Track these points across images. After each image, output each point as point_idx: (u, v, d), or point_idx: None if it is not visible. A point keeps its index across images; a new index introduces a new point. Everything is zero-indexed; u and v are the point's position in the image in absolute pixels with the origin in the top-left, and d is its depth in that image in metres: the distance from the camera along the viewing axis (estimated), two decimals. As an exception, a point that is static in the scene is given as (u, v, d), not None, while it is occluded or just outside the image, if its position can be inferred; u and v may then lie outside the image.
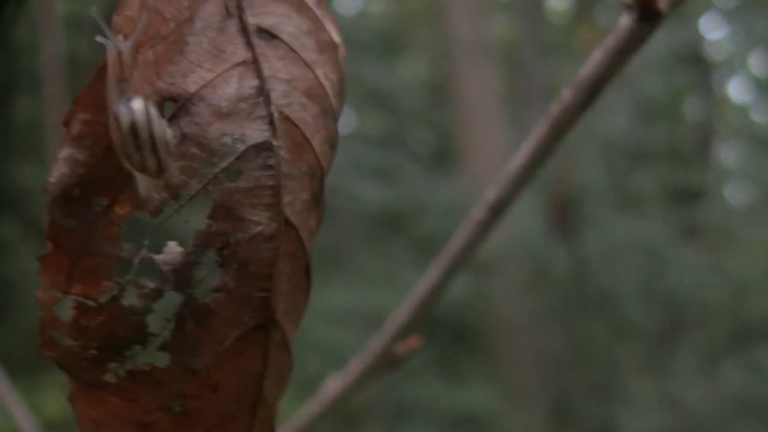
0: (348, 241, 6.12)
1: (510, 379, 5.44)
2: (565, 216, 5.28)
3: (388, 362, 0.86)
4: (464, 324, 5.79)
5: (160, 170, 0.44)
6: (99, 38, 0.45)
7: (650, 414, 5.05)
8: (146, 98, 0.44)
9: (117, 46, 0.45)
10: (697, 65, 6.64)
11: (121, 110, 0.44)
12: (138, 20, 0.46)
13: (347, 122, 7.36)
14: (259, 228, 0.47)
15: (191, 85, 0.48)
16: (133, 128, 0.43)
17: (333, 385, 0.90)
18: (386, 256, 6.01)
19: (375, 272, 5.64)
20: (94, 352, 0.44)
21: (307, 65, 0.53)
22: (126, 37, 0.45)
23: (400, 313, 0.81)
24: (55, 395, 4.53)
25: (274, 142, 0.49)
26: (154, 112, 0.44)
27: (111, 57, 0.45)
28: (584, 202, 5.36)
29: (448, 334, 5.61)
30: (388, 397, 5.36)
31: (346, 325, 5.22)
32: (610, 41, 0.58)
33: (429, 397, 5.23)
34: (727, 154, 7.96)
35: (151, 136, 0.43)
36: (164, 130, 0.44)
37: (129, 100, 0.44)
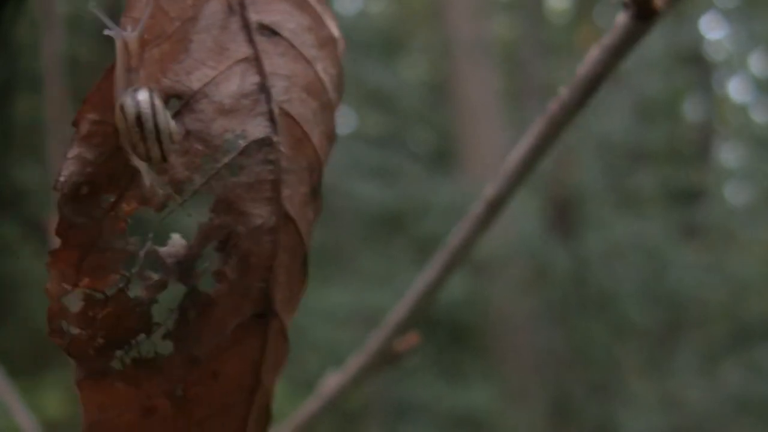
0: (348, 241, 6.12)
1: (510, 379, 5.44)
2: (565, 216, 5.28)
3: (387, 359, 0.86)
4: (464, 324, 5.80)
5: (163, 159, 0.46)
6: (106, 31, 0.46)
7: (650, 414, 5.06)
8: (151, 89, 0.46)
9: (123, 36, 0.46)
10: (697, 65, 6.65)
11: (127, 101, 0.45)
12: (145, 19, 0.47)
13: (347, 122, 7.36)
14: (260, 221, 0.48)
15: (195, 82, 0.49)
16: (139, 119, 0.45)
17: (332, 381, 0.91)
18: (386, 256, 6.02)
19: (375, 272, 5.65)
20: (101, 340, 0.46)
21: (308, 61, 0.54)
22: (132, 28, 0.46)
23: (398, 310, 0.82)
24: (55, 395, 4.53)
25: (275, 138, 0.50)
26: (159, 103, 0.46)
27: (119, 47, 0.46)
28: (584, 202, 5.36)
29: (448, 333, 5.61)
30: (387, 396, 5.37)
31: (346, 325, 5.23)
32: (607, 39, 0.58)
33: (429, 396, 5.24)
34: (727, 154, 7.97)
35: (156, 126, 0.45)
36: (168, 121, 0.46)
37: (135, 91, 0.45)
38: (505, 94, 6.47)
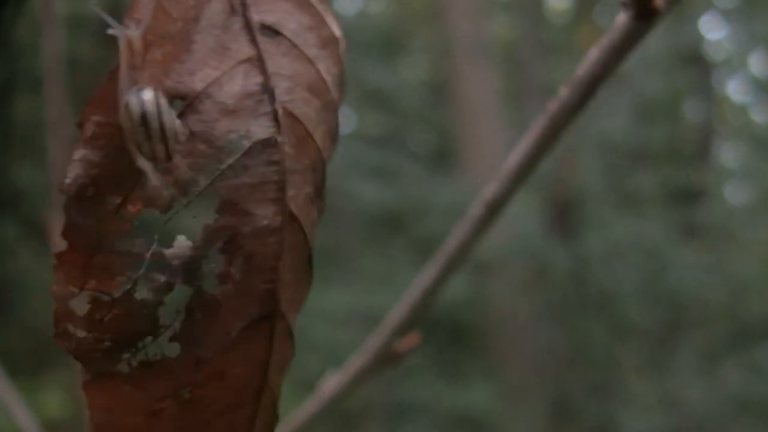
0: (348, 241, 6.13)
1: (510, 379, 5.45)
2: (565, 216, 5.29)
3: (387, 359, 0.86)
4: (464, 324, 5.80)
5: (168, 158, 0.46)
6: (110, 30, 0.46)
7: (650, 414, 5.06)
8: (156, 89, 0.46)
9: (127, 34, 0.46)
10: (697, 65, 6.66)
11: (132, 100, 0.45)
12: (148, 18, 0.47)
13: (347, 122, 7.36)
14: (265, 222, 0.48)
15: (198, 83, 0.49)
16: (144, 118, 0.45)
17: (331, 382, 0.91)
18: (386, 256, 6.02)
19: (375, 272, 5.65)
20: (107, 343, 0.46)
21: (309, 61, 0.54)
22: (136, 27, 0.46)
23: (398, 311, 0.82)
24: (55, 395, 4.54)
25: (279, 138, 0.50)
26: (164, 102, 0.45)
27: (122, 46, 0.46)
28: (584, 202, 5.36)
29: (448, 333, 5.62)
30: (387, 396, 5.37)
31: (346, 325, 5.23)
32: (607, 39, 0.58)
33: (429, 396, 5.24)
34: (727, 154, 7.97)
35: (161, 125, 0.45)
36: (173, 120, 0.46)
37: (140, 90, 0.45)
38: (505, 94, 6.47)
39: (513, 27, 7.49)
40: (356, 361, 0.87)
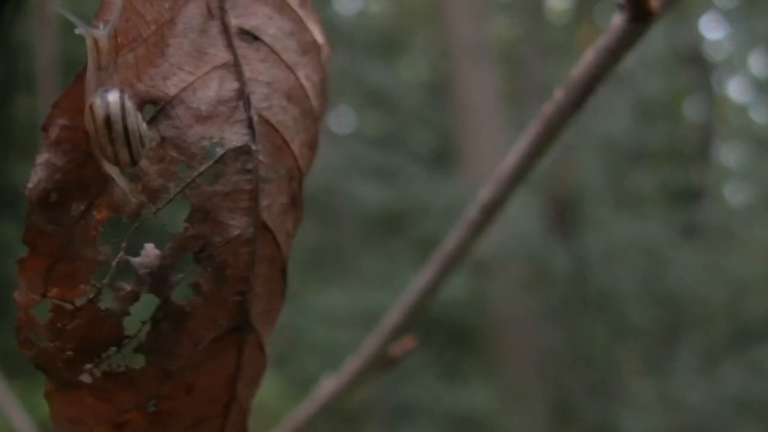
0: (348, 241, 6.12)
1: (510, 379, 5.44)
2: (564, 216, 5.27)
3: (382, 363, 0.86)
4: (464, 324, 5.80)
5: (132, 163, 0.45)
6: (76, 30, 0.46)
7: (650, 414, 5.05)
8: (122, 90, 0.45)
9: (93, 33, 0.45)
10: (697, 65, 6.65)
11: (97, 102, 0.44)
12: (116, 18, 0.46)
13: (347, 122, 7.36)
14: (237, 232, 0.48)
15: (171, 87, 0.48)
16: (108, 120, 0.44)
17: (328, 384, 0.90)
18: (386, 257, 6.01)
19: (375, 273, 5.64)
20: (70, 353, 0.45)
21: (289, 67, 0.53)
22: (103, 25, 0.46)
23: (394, 313, 0.82)
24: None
25: (253, 146, 0.49)
26: (129, 104, 0.45)
27: (89, 45, 0.45)
28: (584, 202, 5.35)
29: (447, 334, 5.61)
30: (387, 397, 5.37)
31: (346, 325, 5.22)
32: (603, 41, 0.58)
33: (428, 397, 5.23)
34: (727, 154, 7.96)
35: (125, 129, 0.44)
36: (138, 123, 0.45)
37: (106, 91, 0.45)
38: (505, 94, 6.47)
39: (513, 27, 7.48)
40: (352, 365, 0.87)
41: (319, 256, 6.36)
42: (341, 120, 7.42)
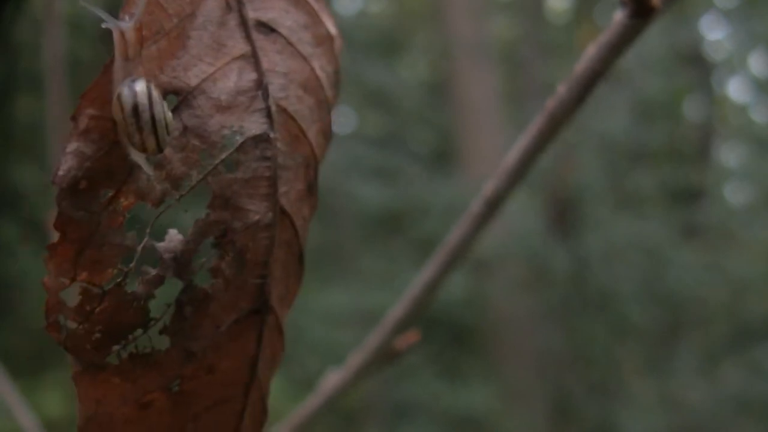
0: (348, 241, 6.13)
1: (510, 379, 5.44)
2: (564, 215, 5.28)
3: (387, 357, 0.86)
4: (464, 323, 5.80)
5: (159, 150, 0.46)
6: (104, 24, 0.47)
7: (650, 414, 5.06)
8: (149, 80, 0.46)
9: (119, 25, 0.47)
10: (697, 65, 6.65)
11: (125, 92, 0.46)
12: (141, 10, 0.47)
13: (347, 122, 7.37)
14: (256, 217, 0.49)
15: (193, 78, 0.49)
16: (135, 109, 0.45)
17: (332, 379, 0.91)
18: (386, 257, 6.02)
19: (375, 272, 5.65)
20: (97, 335, 0.46)
21: (304, 58, 0.54)
22: (128, 18, 0.47)
23: (398, 308, 0.82)
24: (56, 395, 4.53)
25: (272, 135, 0.50)
26: (156, 94, 0.46)
27: (116, 37, 0.46)
28: (584, 202, 5.36)
29: (447, 333, 5.62)
30: (387, 396, 5.37)
31: (346, 325, 5.23)
32: (604, 37, 0.59)
33: (428, 396, 5.24)
34: (727, 154, 7.97)
35: (153, 117, 0.45)
36: (165, 112, 0.46)
37: (133, 81, 0.46)
38: (505, 94, 6.47)
39: (513, 27, 7.49)
40: (356, 358, 0.88)
41: (319, 256, 6.37)
42: (341, 120, 7.43)
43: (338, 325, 5.22)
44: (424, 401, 5.26)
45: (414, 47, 8.26)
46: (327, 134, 0.56)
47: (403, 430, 5.39)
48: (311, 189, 0.53)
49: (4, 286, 5.28)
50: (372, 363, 0.86)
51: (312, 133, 0.53)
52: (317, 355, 4.97)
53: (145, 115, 0.45)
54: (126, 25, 0.47)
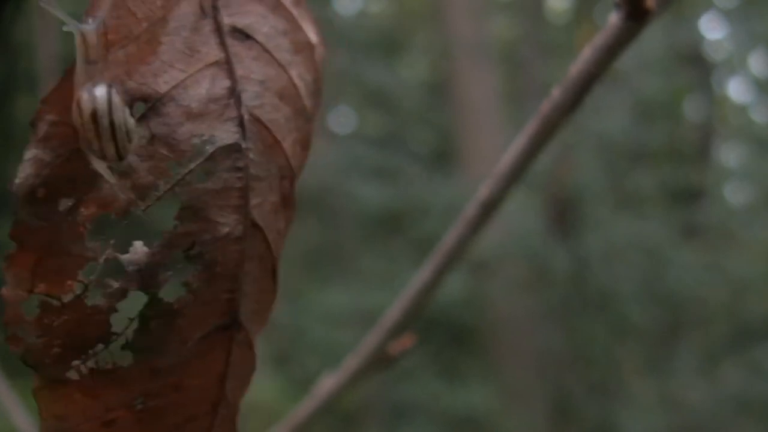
0: (348, 241, 6.13)
1: (509, 379, 5.44)
2: (564, 215, 5.28)
3: (381, 361, 0.86)
4: (463, 324, 5.80)
5: (119, 158, 0.45)
6: (65, 27, 0.46)
7: (650, 414, 5.06)
8: (110, 85, 0.45)
9: (80, 28, 0.45)
10: (697, 65, 6.65)
11: (84, 97, 0.44)
12: (105, 13, 0.46)
13: (347, 122, 7.37)
14: (226, 230, 0.47)
15: (162, 85, 0.48)
16: (94, 115, 0.44)
17: (327, 383, 0.91)
18: (386, 257, 6.02)
19: (375, 272, 5.65)
20: (57, 349, 0.45)
21: (282, 66, 0.53)
22: (92, 20, 0.46)
23: (393, 311, 0.82)
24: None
25: (244, 144, 0.49)
26: (117, 99, 0.45)
27: (77, 40, 0.45)
28: (584, 202, 5.36)
29: (446, 333, 5.62)
30: (386, 396, 5.37)
31: (346, 325, 5.23)
32: (600, 39, 0.58)
33: (428, 397, 5.24)
34: (727, 154, 7.97)
35: (112, 123, 0.44)
36: (126, 119, 0.45)
37: (94, 86, 0.45)
38: (505, 94, 6.47)
39: (513, 27, 7.49)
40: (351, 363, 0.87)
41: (319, 256, 6.37)
42: (341, 120, 7.44)
43: (338, 325, 5.22)
44: (423, 401, 5.26)
45: (414, 47, 8.26)
46: (305, 145, 0.54)
47: (402, 430, 5.39)
48: (287, 201, 0.52)
49: (3, 286, 5.29)
50: (367, 367, 0.86)
51: (288, 143, 0.52)
52: (317, 355, 4.98)
53: (104, 121, 0.44)
54: (88, 27, 0.45)
